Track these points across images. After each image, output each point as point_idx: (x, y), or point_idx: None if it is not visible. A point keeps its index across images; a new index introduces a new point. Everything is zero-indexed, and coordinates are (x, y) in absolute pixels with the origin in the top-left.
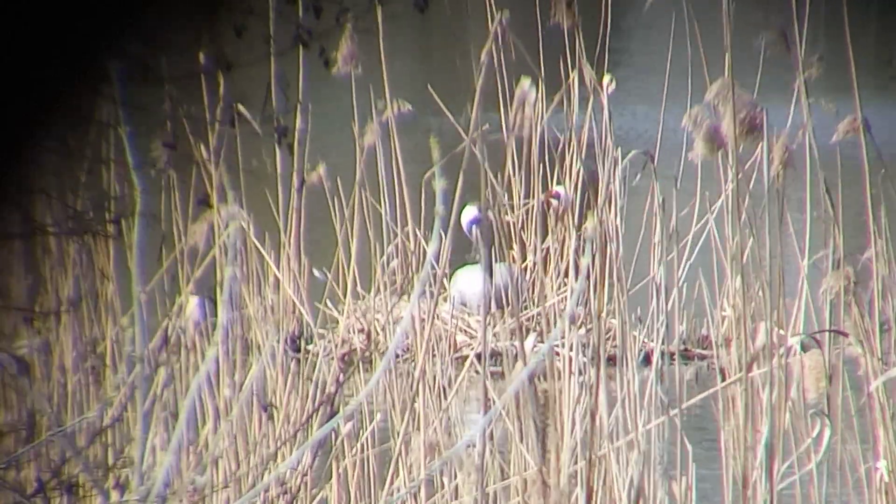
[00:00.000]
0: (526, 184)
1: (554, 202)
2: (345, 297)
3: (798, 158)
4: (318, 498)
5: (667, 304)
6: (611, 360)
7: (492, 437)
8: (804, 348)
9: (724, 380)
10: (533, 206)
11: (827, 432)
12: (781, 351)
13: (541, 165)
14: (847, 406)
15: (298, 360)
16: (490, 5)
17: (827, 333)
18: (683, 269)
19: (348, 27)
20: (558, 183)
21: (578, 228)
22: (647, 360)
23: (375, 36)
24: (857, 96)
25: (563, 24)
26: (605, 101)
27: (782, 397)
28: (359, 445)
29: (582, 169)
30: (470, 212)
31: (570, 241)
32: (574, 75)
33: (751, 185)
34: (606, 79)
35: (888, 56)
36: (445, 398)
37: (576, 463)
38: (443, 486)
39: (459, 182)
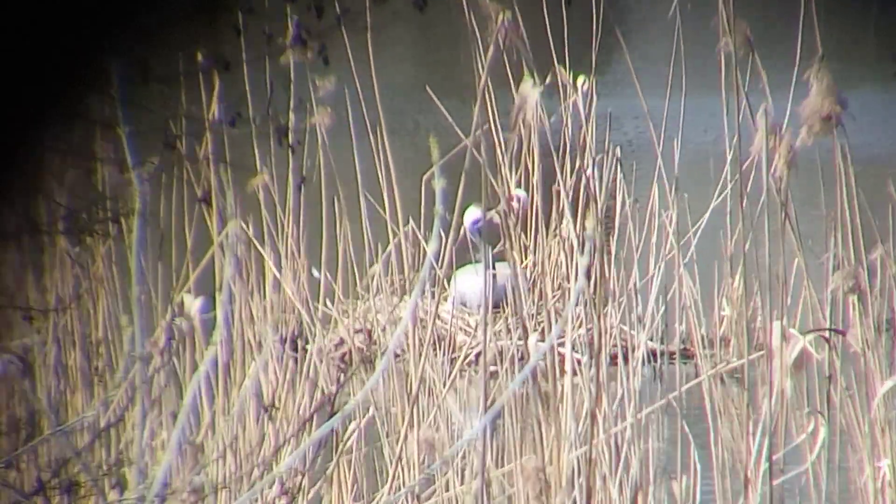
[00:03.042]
0: (525, 184)
1: (514, 205)
2: (344, 297)
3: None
4: (314, 496)
5: (667, 303)
6: (612, 359)
7: (492, 436)
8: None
9: (721, 380)
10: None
11: (823, 431)
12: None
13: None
14: (845, 405)
15: (296, 360)
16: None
17: (827, 332)
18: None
19: (291, 17)
20: (518, 186)
21: (547, 230)
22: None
23: (375, 33)
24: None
25: (512, 43)
26: (580, 102)
27: (779, 394)
28: (353, 444)
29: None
30: (473, 213)
31: (553, 241)
32: (569, 76)
33: (748, 185)
34: (580, 80)
35: (890, 53)
36: (441, 397)
37: (576, 461)
38: (437, 480)
39: (449, 181)
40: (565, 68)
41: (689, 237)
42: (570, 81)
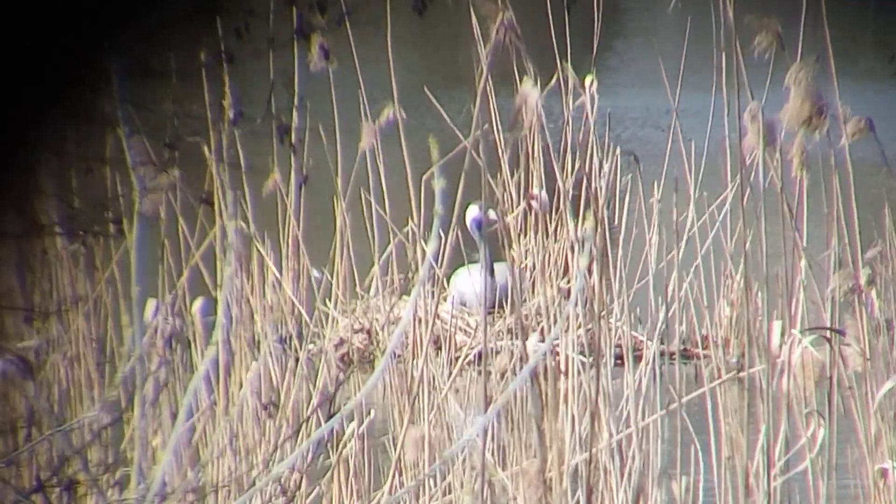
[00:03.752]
0: (525, 184)
1: (534, 204)
2: (343, 296)
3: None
4: (313, 496)
5: (667, 303)
6: (616, 360)
7: (492, 437)
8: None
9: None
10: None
11: (822, 432)
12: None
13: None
14: (846, 405)
15: (296, 360)
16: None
17: (827, 332)
18: (691, 270)
19: (320, 22)
20: (540, 186)
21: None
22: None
23: (376, 34)
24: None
25: (509, 40)
26: (587, 102)
27: (781, 395)
28: (352, 443)
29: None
30: (473, 211)
31: (555, 241)
32: (571, 75)
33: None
34: (588, 79)
35: (889, 54)
36: (441, 396)
37: (576, 463)
38: (435, 484)
39: (449, 181)
40: (568, 68)
41: (708, 233)
42: (578, 81)
